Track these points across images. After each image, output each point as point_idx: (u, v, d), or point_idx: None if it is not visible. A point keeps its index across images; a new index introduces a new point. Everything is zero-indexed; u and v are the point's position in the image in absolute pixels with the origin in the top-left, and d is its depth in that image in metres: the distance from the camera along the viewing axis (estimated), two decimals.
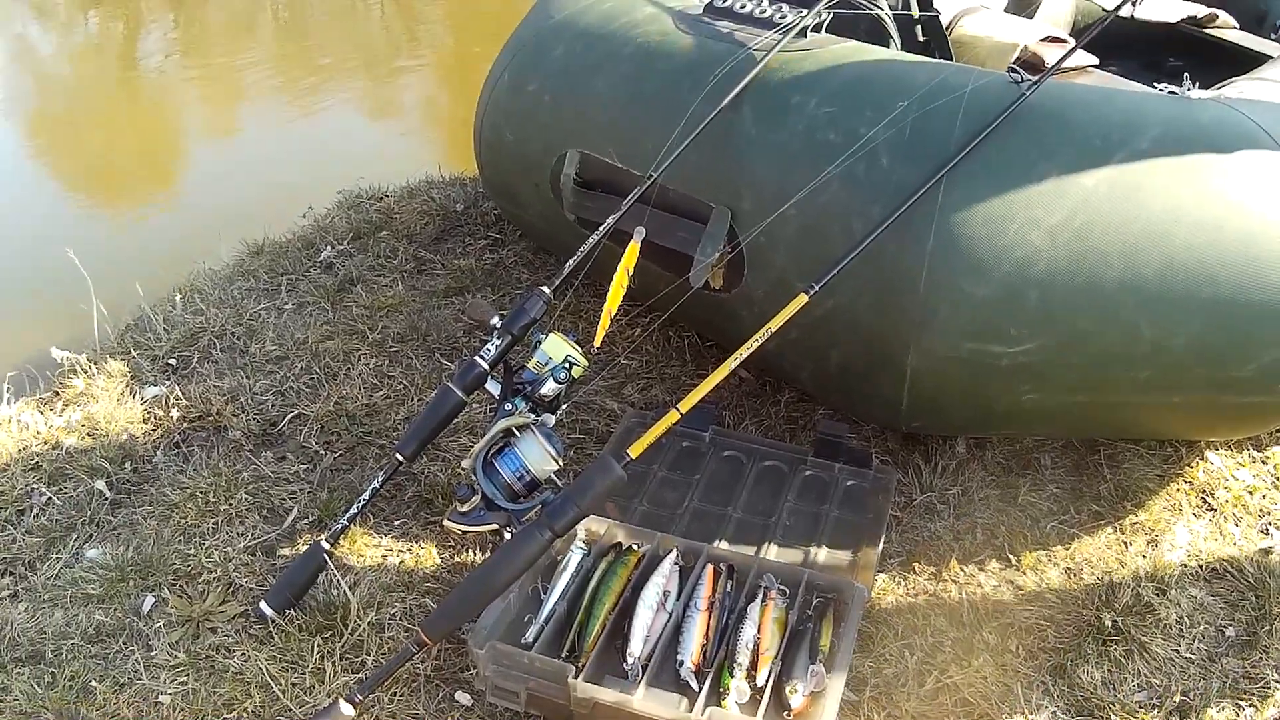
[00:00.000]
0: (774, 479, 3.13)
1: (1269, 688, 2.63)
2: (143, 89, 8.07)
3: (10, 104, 7.89)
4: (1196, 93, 2.94)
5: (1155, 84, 3.04)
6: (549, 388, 2.79)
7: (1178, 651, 2.72)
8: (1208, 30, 4.03)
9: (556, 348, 2.82)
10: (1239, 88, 3.14)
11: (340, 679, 2.66)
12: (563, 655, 2.54)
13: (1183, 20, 4.01)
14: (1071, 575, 2.93)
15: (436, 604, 2.81)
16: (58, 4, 9.49)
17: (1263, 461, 3.30)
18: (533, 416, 2.76)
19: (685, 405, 2.50)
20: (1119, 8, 3.03)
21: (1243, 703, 2.60)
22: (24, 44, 8.98)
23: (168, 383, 3.67)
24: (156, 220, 5.92)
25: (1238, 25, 4.05)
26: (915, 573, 2.94)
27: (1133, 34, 3.96)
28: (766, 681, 2.47)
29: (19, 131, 7.42)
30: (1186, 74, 2.95)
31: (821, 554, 2.89)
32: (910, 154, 2.72)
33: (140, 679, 2.70)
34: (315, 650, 2.71)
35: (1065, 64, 2.95)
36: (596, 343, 2.83)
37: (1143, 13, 3.95)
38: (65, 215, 6.11)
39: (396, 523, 3.12)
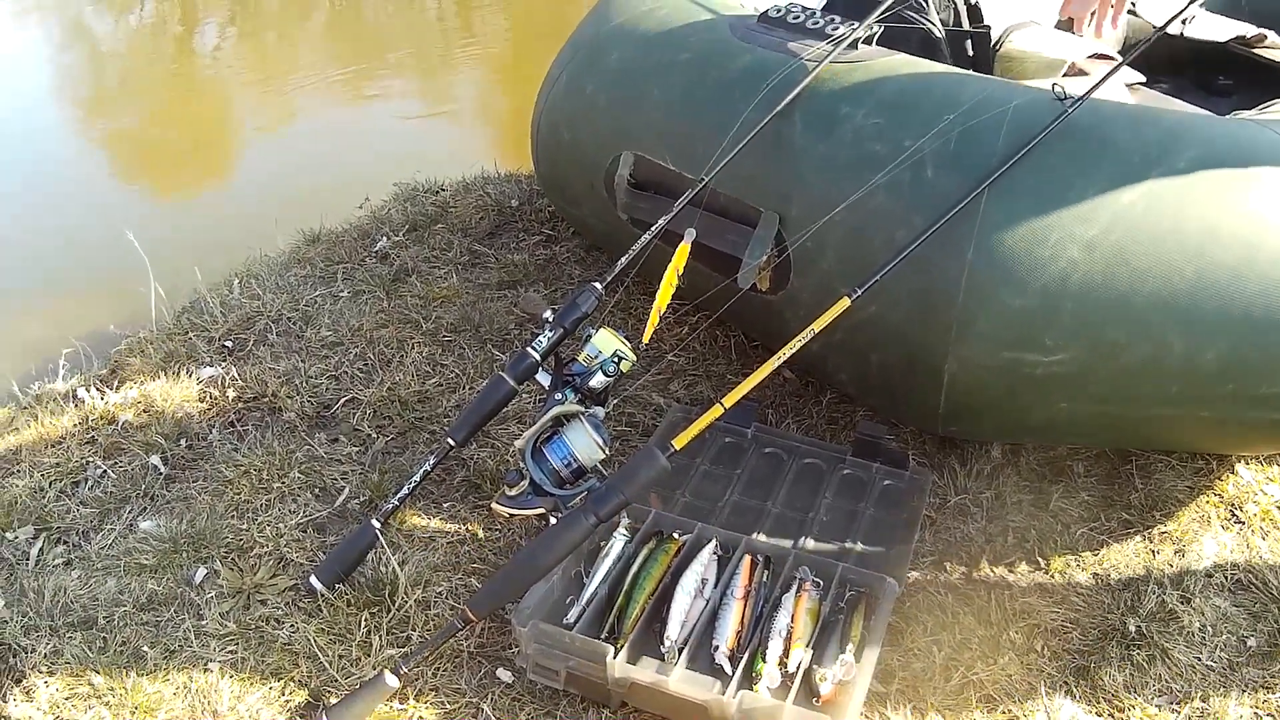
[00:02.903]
0: (813, 476, 3.19)
1: None
2: (200, 75, 8.12)
3: (70, 88, 7.97)
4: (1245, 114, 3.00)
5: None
6: (597, 380, 2.85)
7: (1199, 659, 2.76)
8: (1256, 50, 4.04)
9: (606, 342, 2.89)
10: None
11: (386, 652, 2.73)
12: (602, 636, 2.60)
13: (1232, 40, 4.02)
14: (1099, 580, 2.98)
15: (482, 584, 2.88)
16: None
17: None
18: (583, 407, 2.84)
19: (729, 401, 2.56)
20: (1165, 26, 3.07)
21: (1261, 711, 2.64)
22: (81, 29, 9.05)
23: (223, 364, 3.75)
24: (213, 206, 5.96)
25: None
26: (946, 572, 2.99)
27: (1184, 52, 3.99)
28: (797, 669, 2.54)
29: (79, 115, 7.49)
30: None
31: (856, 549, 2.95)
32: (954, 166, 2.78)
33: (191, 646, 2.77)
34: (363, 624, 2.79)
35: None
36: (645, 339, 2.89)
37: (1193, 31, 3.97)
38: (124, 198, 6.17)
39: (445, 505, 3.19)
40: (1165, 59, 3.49)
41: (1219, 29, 4.01)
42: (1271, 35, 4.01)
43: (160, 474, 3.32)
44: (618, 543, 2.84)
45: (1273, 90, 3.40)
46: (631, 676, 2.52)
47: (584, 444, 2.77)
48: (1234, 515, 3.19)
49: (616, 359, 2.85)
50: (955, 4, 3.63)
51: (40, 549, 3.07)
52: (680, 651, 2.58)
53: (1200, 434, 3.03)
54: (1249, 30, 4.02)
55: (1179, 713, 2.63)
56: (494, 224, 4.61)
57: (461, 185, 4.98)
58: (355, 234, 4.61)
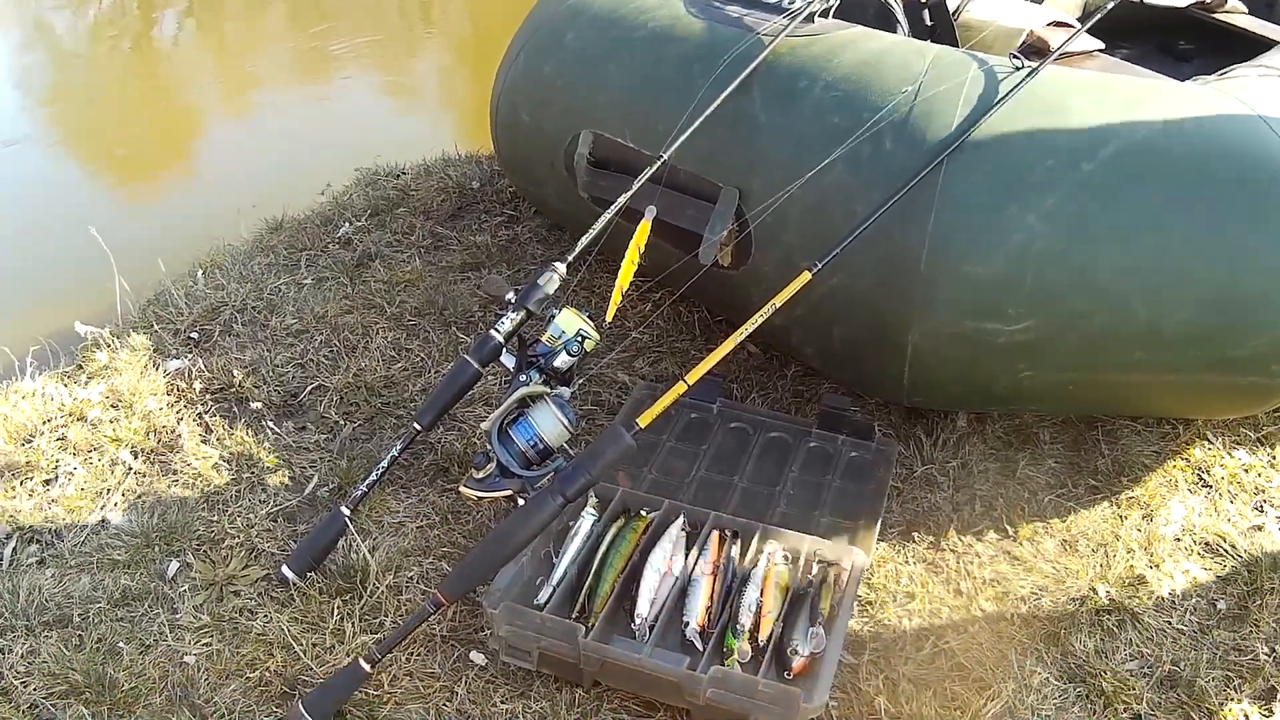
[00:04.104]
0: (779, 450, 3.20)
1: (1258, 660, 2.70)
2: (158, 66, 8.05)
3: (28, 82, 7.89)
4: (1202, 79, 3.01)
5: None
6: (561, 360, 2.84)
7: (1169, 623, 2.79)
8: (1216, 15, 4.05)
9: (569, 322, 2.88)
10: (1241, 73, 3.19)
11: (359, 639, 2.74)
12: (573, 616, 2.62)
13: (1192, 5, 4.03)
14: (1067, 547, 3.00)
15: (452, 567, 2.88)
16: None
17: (1259, 440, 3.36)
18: (548, 388, 2.83)
19: (692, 377, 2.57)
20: None
21: (1231, 674, 2.67)
22: (39, 22, 8.97)
23: (190, 356, 3.73)
24: (176, 197, 5.91)
25: (1247, 10, 4.06)
26: (915, 542, 3.01)
27: (1144, 18, 3.99)
28: (768, 643, 2.55)
29: (38, 110, 7.42)
30: None
31: (824, 522, 2.96)
32: (912, 137, 2.79)
33: (166, 640, 2.77)
34: (335, 612, 2.80)
35: (1070, 49, 3.01)
36: (608, 317, 2.90)
37: None
38: (85, 192, 6.10)
39: (414, 490, 3.19)
40: (1125, 25, 3.49)
41: None
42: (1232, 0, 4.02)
43: (130, 469, 3.31)
44: (586, 522, 2.85)
45: (1234, 54, 3.40)
46: (603, 655, 2.53)
47: (550, 424, 2.77)
48: (1201, 479, 3.22)
49: (580, 338, 2.85)
50: None
51: (13, 549, 3.06)
52: (651, 629, 2.60)
53: (1166, 399, 3.07)
54: None
55: (1150, 676, 2.65)
56: (456, 206, 4.60)
57: (422, 168, 4.97)
58: (318, 220, 4.59)
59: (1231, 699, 2.61)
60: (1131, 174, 2.67)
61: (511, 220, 4.49)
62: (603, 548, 2.77)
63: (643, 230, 2.90)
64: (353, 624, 2.77)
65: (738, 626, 2.59)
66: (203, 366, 3.65)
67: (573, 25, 3.65)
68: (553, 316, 2.91)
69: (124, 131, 6.82)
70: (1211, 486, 3.19)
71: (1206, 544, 3.01)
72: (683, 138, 3.03)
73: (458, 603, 2.76)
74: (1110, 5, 3.00)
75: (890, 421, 3.39)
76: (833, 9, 3.24)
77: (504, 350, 2.92)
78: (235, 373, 3.61)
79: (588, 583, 2.70)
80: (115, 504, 3.20)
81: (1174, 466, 3.25)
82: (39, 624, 2.82)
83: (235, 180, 5.78)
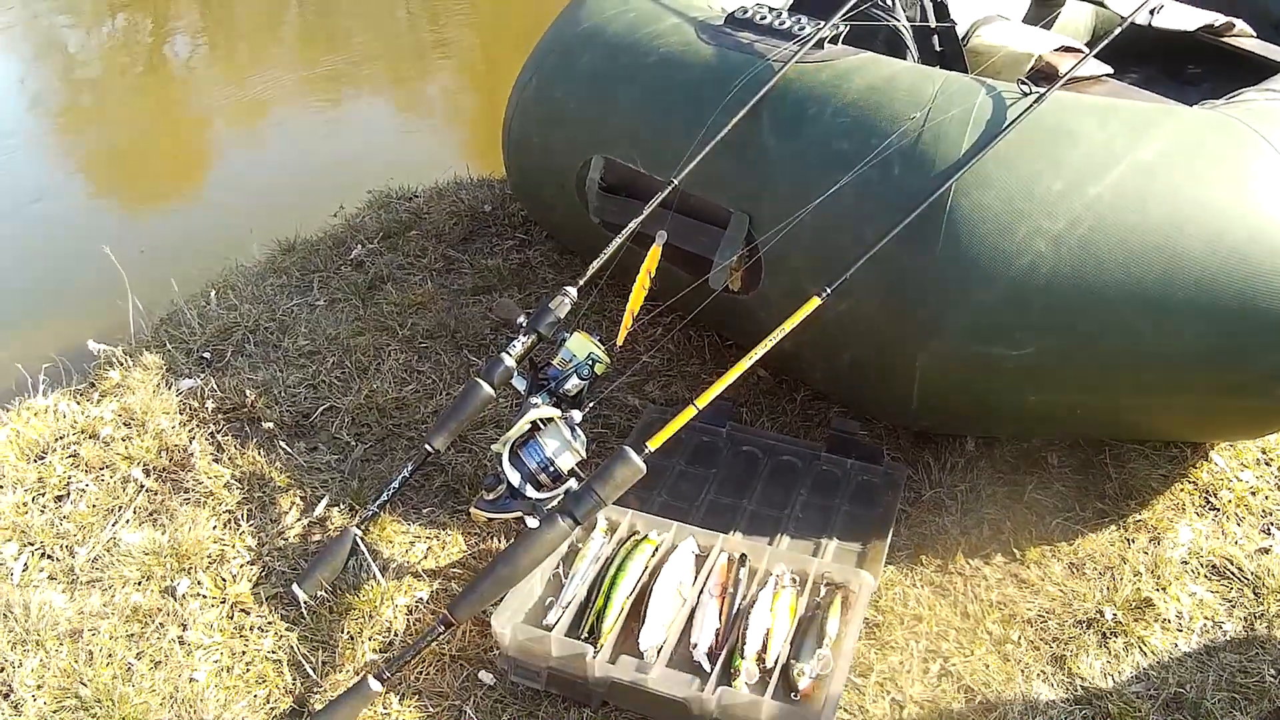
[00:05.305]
0: (788, 473, 3.21)
1: (1264, 682, 2.70)
2: (172, 87, 8.06)
3: (42, 101, 7.92)
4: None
5: None
6: (572, 384, 2.86)
7: (1176, 645, 2.79)
8: (1224, 39, 4.06)
9: (580, 345, 2.91)
10: (1248, 97, 3.20)
11: (369, 658, 2.76)
12: (582, 637, 2.63)
13: (1200, 29, 4.04)
14: (1074, 570, 3.01)
15: (462, 587, 2.88)
16: (85, 1, 9.50)
17: (1267, 463, 3.36)
18: (559, 411, 2.85)
19: (702, 401, 2.58)
20: (1132, 16, 3.11)
21: (1238, 695, 2.67)
22: (53, 41, 9.00)
23: (202, 375, 3.74)
24: (189, 217, 5.92)
25: (1255, 34, 4.08)
26: (922, 565, 3.02)
27: (1152, 42, 4.00)
28: (775, 664, 2.57)
29: (52, 128, 7.45)
30: None
31: (832, 545, 2.98)
32: (920, 163, 2.80)
33: (176, 657, 2.79)
34: (345, 630, 2.82)
35: (1079, 73, 3.02)
36: (619, 341, 2.92)
37: (1161, 21, 3.97)
38: (99, 212, 6.13)
39: (425, 511, 3.21)
40: (1133, 49, 3.50)
41: (1187, 18, 4.02)
42: (1240, 23, 4.03)
43: (142, 486, 3.33)
44: (595, 543, 2.87)
45: (1242, 78, 3.41)
46: (611, 676, 2.55)
47: (560, 447, 2.78)
48: (1208, 502, 3.22)
49: (591, 362, 2.87)
50: (922, 1, 3.64)
51: (25, 564, 3.08)
52: (659, 650, 2.61)
53: (1173, 422, 3.07)
54: (1217, 19, 4.03)
55: (1156, 699, 2.66)
56: (468, 229, 4.61)
57: (435, 191, 4.97)
58: (330, 242, 4.60)
59: None
60: (1139, 198, 2.67)
61: (523, 244, 4.50)
62: (612, 569, 2.78)
63: (653, 255, 2.91)
64: (362, 643, 2.79)
65: (745, 648, 2.59)
66: (215, 386, 3.67)
67: (585, 49, 3.67)
68: (564, 340, 2.93)
69: (138, 150, 6.84)
70: (1219, 509, 3.19)
71: (1213, 566, 3.02)
72: (693, 163, 3.04)
73: (467, 623, 2.78)
74: (1118, 30, 3.01)
75: (899, 445, 3.39)
76: (843, 35, 3.26)
77: (515, 373, 2.93)
78: (247, 393, 3.62)
79: (596, 604, 2.71)
80: (127, 521, 3.21)
81: (1181, 490, 3.25)
82: (50, 638, 2.84)
83: (248, 200, 5.81)
